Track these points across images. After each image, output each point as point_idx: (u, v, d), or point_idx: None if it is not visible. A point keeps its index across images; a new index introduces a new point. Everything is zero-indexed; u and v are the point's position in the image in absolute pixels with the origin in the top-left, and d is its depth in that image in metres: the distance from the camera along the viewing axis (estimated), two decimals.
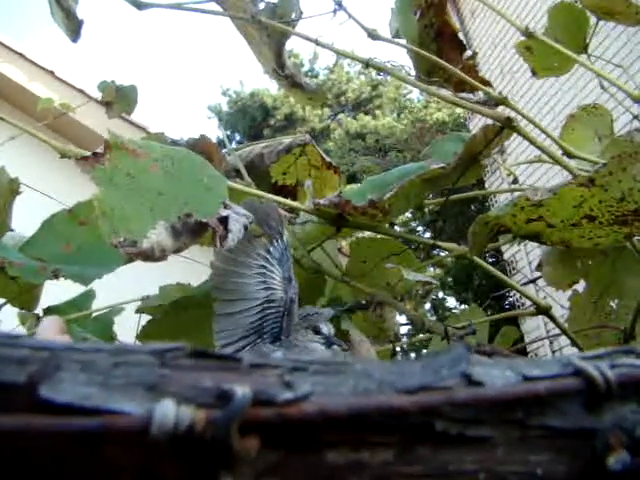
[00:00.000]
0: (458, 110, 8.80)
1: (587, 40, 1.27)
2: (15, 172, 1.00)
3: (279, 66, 1.06)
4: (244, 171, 0.99)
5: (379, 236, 0.98)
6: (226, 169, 1.00)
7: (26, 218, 1.07)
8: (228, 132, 13.38)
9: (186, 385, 0.22)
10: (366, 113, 12.59)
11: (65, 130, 3.32)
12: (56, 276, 0.84)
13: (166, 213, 0.62)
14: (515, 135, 0.90)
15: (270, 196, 0.88)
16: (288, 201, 0.90)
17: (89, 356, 0.22)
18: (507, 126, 0.86)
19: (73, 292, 1.10)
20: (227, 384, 0.22)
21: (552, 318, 0.94)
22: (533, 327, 4.97)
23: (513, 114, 0.90)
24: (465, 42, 1.12)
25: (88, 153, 0.66)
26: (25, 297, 1.01)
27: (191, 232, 0.62)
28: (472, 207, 8.45)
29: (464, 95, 1.01)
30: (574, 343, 0.96)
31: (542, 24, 1.28)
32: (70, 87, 3.69)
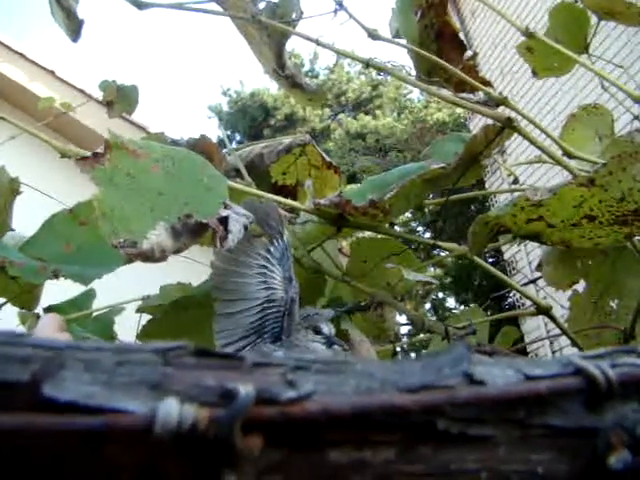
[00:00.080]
0: (458, 110, 8.80)
1: (588, 40, 1.27)
2: (15, 172, 1.00)
3: (279, 66, 1.06)
4: (244, 171, 0.99)
5: (379, 236, 0.98)
6: (226, 169, 1.00)
7: (26, 218, 1.07)
8: (228, 132, 13.38)
9: (189, 384, 0.22)
10: (366, 113, 12.60)
11: (65, 130, 3.32)
12: (56, 276, 0.84)
13: (166, 213, 0.62)
14: (515, 135, 0.90)
15: (270, 196, 0.88)
16: (288, 201, 0.90)
17: (92, 355, 0.22)
18: (507, 126, 0.86)
19: (73, 292, 1.10)
20: (230, 383, 0.22)
21: (552, 318, 0.94)
22: (533, 327, 4.98)
23: (513, 114, 0.90)
24: (465, 42, 1.12)
25: (88, 153, 0.66)
26: (25, 296, 1.01)
27: (191, 232, 0.62)
28: (472, 207, 8.45)
29: (464, 95, 1.01)
30: (574, 343, 0.96)
31: (542, 24, 1.28)
32: (70, 87, 3.69)
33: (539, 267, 1.16)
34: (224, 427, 0.21)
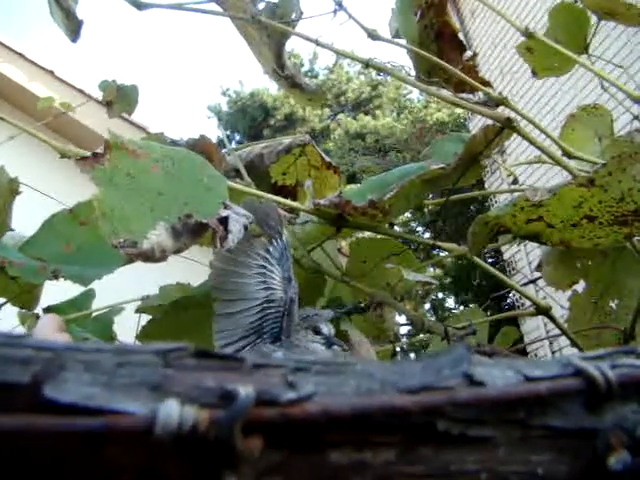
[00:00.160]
0: (458, 110, 8.80)
1: (588, 40, 1.27)
2: (15, 172, 1.00)
3: (279, 67, 1.06)
4: (244, 171, 0.99)
5: (379, 236, 0.98)
6: (226, 169, 1.00)
7: (26, 218, 1.07)
8: (228, 132, 13.39)
9: (189, 385, 0.22)
10: (366, 113, 12.61)
11: (65, 130, 3.32)
12: (56, 277, 0.84)
13: (166, 213, 0.62)
14: (515, 135, 0.90)
15: (270, 196, 0.88)
16: (288, 201, 0.90)
17: (93, 356, 0.22)
18: (507, 127, 0.86)
19: (73, 292, 1.10)
20: (230, 384, 0.22)
21: (552, 319, 0.94)
22: (533, 327, 4.98)
23: (513, 114, 0.90)
24: (465, 42, 1.12)
25: (88, 153, 0.66)
26: (25, 296, 1.01)
27: (191, 233, 0.62)
28: (472, 207, 8.46)
29: (464, 95, 1.01)
30: (574, 343, 0.96)
31: (542, 24, 1.28)
32: (70, 87, 3.69)
33: (539, 267, 1.16)
34: (224, 428, 0.21)
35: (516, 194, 0.80)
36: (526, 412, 0.24)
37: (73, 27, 1.08)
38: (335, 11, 1.02)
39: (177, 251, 0.62)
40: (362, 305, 0.95)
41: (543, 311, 0.94)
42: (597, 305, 1.05)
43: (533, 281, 1.93)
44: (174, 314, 0.92)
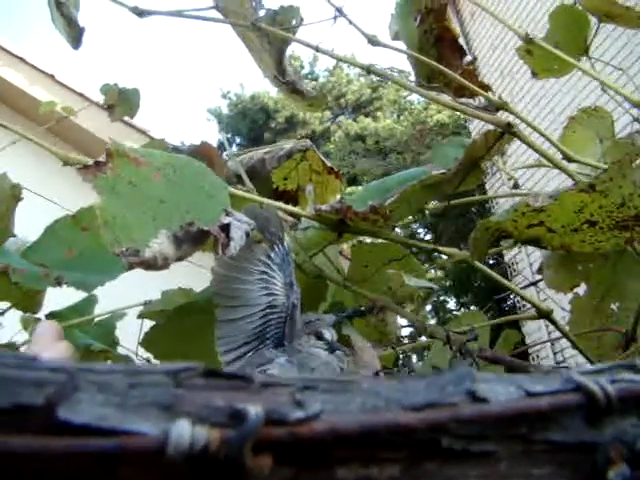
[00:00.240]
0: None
1: (588, 42, 1.27)
2: (17, 177, 1.00)
3: (280, 73, 1.06)
4: (245, 177, 1.00)
5: (379, 240, 0.98)
6: (227, 175, 1.00)
7: (29, 223, 1.07)
8: (228, 135, 13.40)
9: (199, 405, 0.22)
10: (366, 115, 12.61)
11: (65, 134, 3.33)
12: (59, 283, 0.84)
13: (168, 221, 0.62)
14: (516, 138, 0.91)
15: (271, 202, 0.88)
16: (289, 207, 0.91)
17: (105, 377, 0.22)
18: (508, 132, 0.86)
19: (76, 297, 1.10)
20: (239, 403, 0.22)
21: (553, 322, 0.95)
22: (534, 329, 4.97)
23: (512, 118, 0.90)
24: (465, 44, 1.13)
25: (90, 161, 0.66)
26: (28, 301, 1.02)
27: (193, 240, 0.62)
28: (472, 209, 8.46)
29: (464, 100, 1.01)
30: (575, 346, 0.96)
31: (542, 24, 1.28)
32: (70, 91, 3.70)
33: (540, 270, 1.16)
34: (235, 448, 0.21)
35: (517, 199, 0.80)
36: (528, 427, 0.25)
37: (75, 34, 1.08)
38: (335, 17, 1.02)
39: (179, 259, 0.62)
40: (363, 308, 0.96)
41: (544, 315, 0.94)
42: (598, 307, 1.05)
43: (534, 283, 1.94)
44: (177, 320, 0.92)
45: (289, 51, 1.07)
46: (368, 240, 1.01)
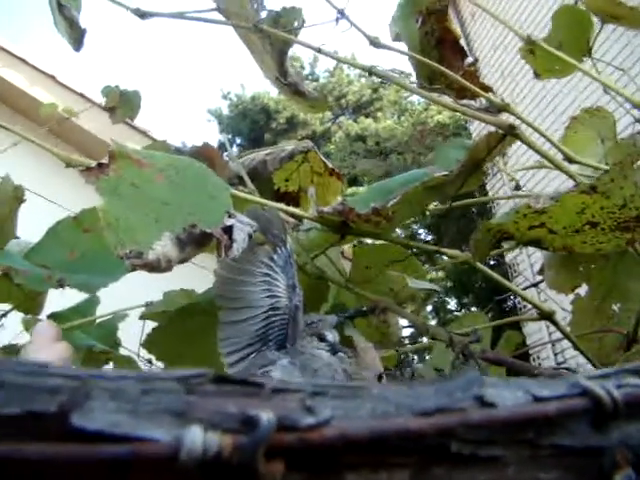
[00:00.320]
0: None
1: (590, 43, 1.27)
2: (19, 178, 1.00)
3: (281, 74, 1.06)
4: (247, 178, 1.00)
5: (378, 242, 0.98)
6: (229, 176, 1.01)
7: (31, 224, 1.07)
8: (229, 136, 13.40)
9: (211, 411, 0.23)
10: (367, 116, 12.61)
11: (66, 135, 3.33)
12: (61, 285, 0.84)
13: (171, 223, 0.63)
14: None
15: (274, 204, 0.88)
16: (291, 208, 0.91)
17: (118, 384, 0.23)
18: (510, 133, 0.86)
19: (77, 298, 1.10)
20: (251, 410, 0.22)
21: (555, 323, 0.95)
22: (535, 329, 4.97)
23: (514, 119, 0.90)
24: (465, 45, 1.13)
25: (93, 163, 0.66)
26: (30, 303, 1.02)
27: (196, 243, 0.62)
28: (473, 209, 8.46)
29: (466, 102, 1.01)
30: (576, 347, 0.96)
31: (543, 25, 1.28)
32: (71, 92, 3.70)
33: (541, 271, 1.16)
34: (247, 454, 0.21)
35: (518, 200, 0.80)
36: (535, 432, 0.25)
37: (76, 36, 1.08)
38: (337, 19, 1.02)
39: (182, 261, 0.62)
40: (365, 309, 0.96)
41: (546, 316, 0.94)
42: (599, 308, 1.05)
43: (535, 285, 1.94)
44: (179, 321, 0.92)
45: (290, 52, 1.07)
46: (368, 241, 1.01)
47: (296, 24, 1.01)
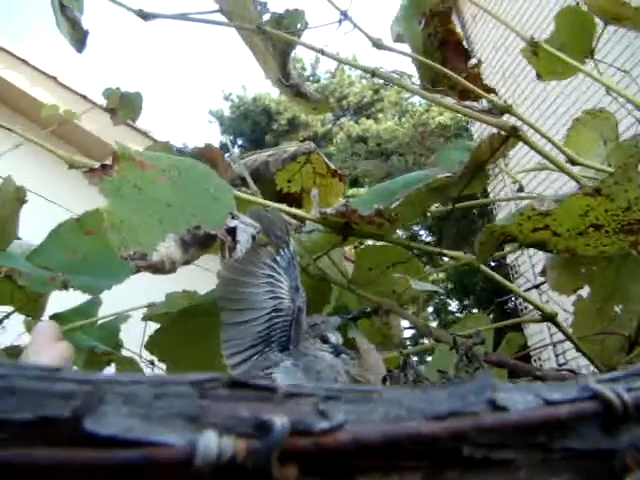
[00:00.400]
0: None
1: (593, 45, 1.26)
2: (21, 179, 1.00)
3: (284, 76, 1.06)
4: (250, 180, 1.00)
5: (379, 243, 0.98)
6: (232, 177, 1.01)
7: (33, 225, 1.07)
8: (231, 137, 13.40)
9: (225, 416, 0.23)
10: (368, 117, 12.61)
11: (68, 136, 3.33)
12: (65, 287, 0.84)
13: (175, 225, 0.63)
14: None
15: (276, 205, 0.88)
16: (294, 210, 0.91)
17: (131, 388, 0.22)
18: (513, 135, 0.86)
19: (79, 299, 1.10)
20: (265, 414, 0.22)
21: (557, 325, 0.95)
22: (536, 331, 4.96)
23: (515, 120, 0.90)
24: (467, 46, 1.13)
25: (95, 164, 0.66)
26: (31, 305, 1.02)
27: (200, 244, 0.62)
28: (474, 211, 8.46)
29: (468, 103, 1.01)
30: (578, 349, 0.96)
31: (545, 25, 1.28)
32: (73, 93, 3.70)
33: (543, 273, 1.16)
34: (262, 458, 0.21)
35: (519, 202, 0.80)
36: (547, 435, 0.25)
37: (79, 37, 1.08)
38: (340, 21, 1.02)
39: (186, 262, 0.62)
40: (368, 310, 0.96)
41: (549, 318, 0.94)
42: (601, 310, 1.05)
43: (537, 286, 1.94)
44: (181, 323, 0.92)
45: (292, 54, 1.07)
46: (369, 242, 1.01)
47: (299, 26, 1.01)
